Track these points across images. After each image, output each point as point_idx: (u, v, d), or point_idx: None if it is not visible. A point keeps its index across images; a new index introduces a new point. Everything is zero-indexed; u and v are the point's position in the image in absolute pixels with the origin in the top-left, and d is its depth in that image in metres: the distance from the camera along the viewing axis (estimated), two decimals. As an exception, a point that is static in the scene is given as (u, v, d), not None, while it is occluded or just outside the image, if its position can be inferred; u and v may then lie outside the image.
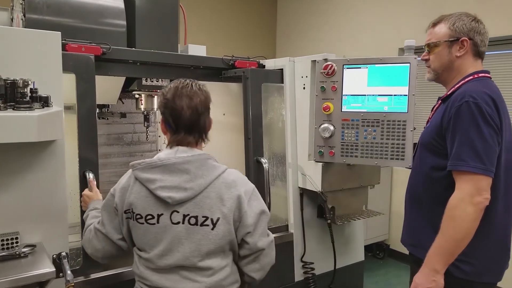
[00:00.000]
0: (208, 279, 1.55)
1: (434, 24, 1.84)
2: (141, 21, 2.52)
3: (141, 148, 3.19)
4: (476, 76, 1.74)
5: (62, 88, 1.83)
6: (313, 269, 2.64)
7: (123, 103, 2.94)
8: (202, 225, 1.52)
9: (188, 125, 1.56)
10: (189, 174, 1.52)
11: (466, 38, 1.74)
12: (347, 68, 2.31)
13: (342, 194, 2.60)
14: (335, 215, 2.55)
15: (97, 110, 2.63)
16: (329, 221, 2.50)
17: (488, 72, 1.79)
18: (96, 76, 2.09)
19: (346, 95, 2.32)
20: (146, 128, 2.89)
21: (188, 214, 1.52)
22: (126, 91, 2.68)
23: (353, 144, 2.32)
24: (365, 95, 2.27)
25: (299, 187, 2.65)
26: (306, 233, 2.66)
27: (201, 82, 1.66)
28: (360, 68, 2.28)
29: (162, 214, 1.53)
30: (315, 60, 2.45)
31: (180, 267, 1.54)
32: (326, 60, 2.38)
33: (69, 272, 1.69)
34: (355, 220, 2.66)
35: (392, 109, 2.20)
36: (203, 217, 1.52)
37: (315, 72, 2.45)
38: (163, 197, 1.51)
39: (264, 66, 2.82)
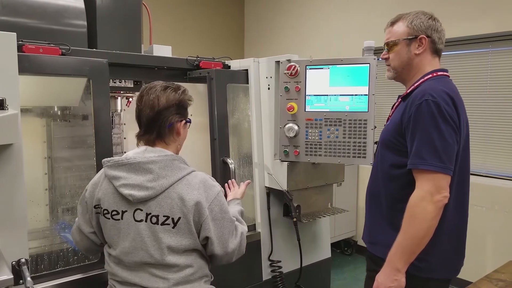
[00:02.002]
0: (175, 275, 1.59)
1: (393, 23, 1.85)
2: (103, 21, 2.48)
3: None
4: (434, 74, 1.76)
5: (19, 90, 1.77)
6: (280, 267, 2.67)
7: (85, 104, 2.88)
8: (163, 224, 1.57)
9: (146, 122, 1.64)
10: (152, 174, 1.57)
11: (424, 36, 1.76)
12: (310, 68, 2.35)
13: (308, 193, 2.64)
14: (300, 213, 2.59)
15: (59, 112, 2.58)
16: (294, 219, 2.53)
17: (446, 70, 1.81)
18: (56, 77, 2.06)
19: (309, 95, 2.36)
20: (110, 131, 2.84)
21: (150, 213, 1.57)
22: (88, 93, 2.62)
23: (317, 143, 2.36)
24: (327, 95, 2.32)
25: (266, 187, 2.67)
26: (273, 232, 2.68)
27: (178, 84, 1.73)
28: (322, 68, 2.32)
29: (126, 211, 1.60)
30: (279, 61, 2.48)
31: (148, 264, 1.59)
32: (289, 61, 2.41)
33: (29, 279, 1.66)
34: (320, 217, 2.71)
35: (353, 108, 2.25)
36: (164, 216, 1.56)
37: (279, 72, 2.48)
38: (125, 194, 1.57)
39: (229, 67, 2.83)
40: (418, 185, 1.62)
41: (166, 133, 1.65)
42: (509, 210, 3.63)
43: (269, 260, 2.67)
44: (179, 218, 1.56)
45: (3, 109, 1.61)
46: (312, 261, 2.86)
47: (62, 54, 2.11)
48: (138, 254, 1.58)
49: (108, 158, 1.65)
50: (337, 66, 2.29)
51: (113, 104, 2.70)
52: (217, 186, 1.66)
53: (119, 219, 1.61)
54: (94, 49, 2.38)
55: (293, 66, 2.38)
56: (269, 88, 2.62)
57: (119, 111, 2.78)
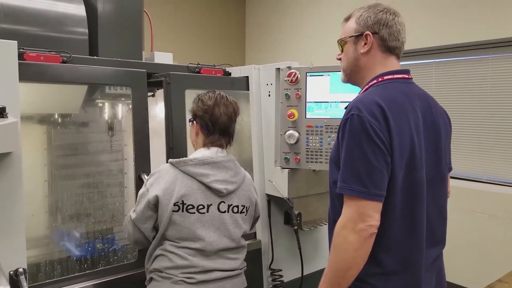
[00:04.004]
0: (242, 255, 1.96)
1: (346, 19, 1.66)
2: (104, 29, 2.49)
3: (106, 157, 3.13)
4: (380, 79, 1.54)
5: (19, 98, 1.77)
6: (281, 276, 2.65)
7: (85, 112, 2.88)
8: (240, 212, 1.92)
9: (222, 129, 1.90)
10: (232, 171, 1.89)
11: (370, 32, 1.54)
12: (310, 75, 2.35)
13: (309, 200, 2.62)
14: (301, 221, 2.57)
15: (59, 120, 2.59)
16: (295, 227, 2.51)
17: (401, 72, 1.57)
18: (57, 85, 2.06)
19: (310, 102, 2.36)
20: (111, 137, 2.84)
21: (232, 204, 1.88)
22: (89, 100, 2.63)
23: (317, 150, 2.35)
24: (327, 101, 2.32)
25: (266, 194, 2.66)
26: (274, 240, 2.66)
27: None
28: (322, 75, 2.32)
29: (211, 205, 1.83)
30: (279, 68, 2.48)
31: (225, 249, 1.86)
32: (289, 68, 2.41)
33: (27, 288, 1.65)
34: (321, 225, 2.69)
35: (354, 115, 2.24)
36: (242, 206, 1.92)
37: (279, 79, 2.48)
38: (219, 189, 1.82)
39: (230, 74, 2.83)
40: (342, 211, 1.43)
41: (232, 137, 1.97)
42: (511, 217, 3.61)
43: (270, 269, 2.65)
44: (249, 206, 1.95)
45: (2, 117, 1.61)
46: (313, 270, 2.83)
47: (63, 62, 2.11)
48: (222, 241, 1.84)
49: (188, 157, 1.85)
50: (338, 73, 2.28)
51: (114, 111, 2.71)
52: None
53: (204, 213, 1.81)
54: (95, 57, 2.39)
55: (293, 73, 2.38)
56: (269, 95, 2.62)
57: (119, 118, 2.78)
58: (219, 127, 1.88)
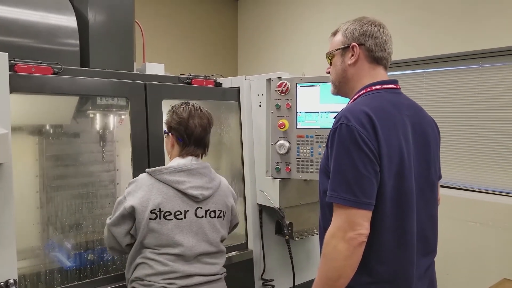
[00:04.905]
0: (221, 260, 1.99)
1: (334, 33, 1.71)
2: (95, 40, 2.50)
3: (98, 168, 3.12)
4: (368, 89, 1.57)
5: (10, 110, 1.78)
6: (273, 286, 2.64)
7: (77, 122, 2.88)
8: (218, 217, 1.96)
9: (198, 140, 1.95)
10: (207, 177, 1.94)
11: (356, 44, 1.58)
12: (300, 86, 2.38)
13: (300, 210, 2.64)
14: (293, 231, 2.57)
15: (51, 131, 2.59)
16: (287, 237, 2.52)
17: (389, 82, 1.60)
18: (49, 96, 2.08)
19: (300, 112, 2.38)
20: (102, 148, 2.84)
21: (209, 209, 1.93)
22: (80, 111, 2.63)
23: (308, 160, 2.37)
24: (318, 112, 2.34)
25: (258, 204, 2.67)
26: (266, 250, 2.67)
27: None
28: (312, 86, 2.35)
29: (188, 210, 1.88)
30: (270, 79, 2.50)
31: (204, 254, 1.90)
32: (280, 78, 2.44)
33: (16, 299, 1.65)
34: (313, 235, 2.70)
35: (343, 125, 2.26)
36: (218, 210, 1.97)
37: (270, 90, 2.50)
38: (195, 194, 1.87)
39: (221, 84, 2.84)
40: (332, 220, 1.44)
41: (207, 147, 2.02)
42: (503, 226, 3.63)
43: (262, 279, 2.65)
44: (225, 211, 2.00)
45: (-8, 128, 1.61)
46: (305, 280, 2.83)
47: (54, 73, 2.12)
48: (201, 245, 1.88)
49: (163, 167, 1.89)
50: (328, 83, 2.30)
51: (105, 121, 2.71)
52: None
53: (182, 218, 1.85)
54: (87, 68, 2.40)
55: (284, 84, 2.40)
56: (260, 106, 2.64)
57: (111, 128, 2.78)
58: (194, 139, 1.94)
